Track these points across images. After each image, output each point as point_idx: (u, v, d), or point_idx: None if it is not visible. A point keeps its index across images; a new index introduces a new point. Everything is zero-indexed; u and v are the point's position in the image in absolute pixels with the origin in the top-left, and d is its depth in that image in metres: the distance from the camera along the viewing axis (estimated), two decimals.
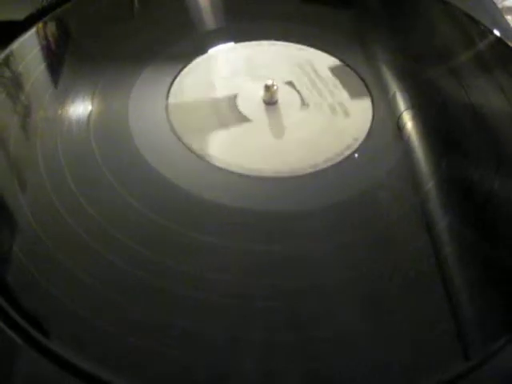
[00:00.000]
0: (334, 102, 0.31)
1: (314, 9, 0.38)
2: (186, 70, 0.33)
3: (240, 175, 0.27)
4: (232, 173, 0.27)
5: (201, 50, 0.34)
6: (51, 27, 0.35)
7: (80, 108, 0.30)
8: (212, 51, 0.34)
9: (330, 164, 0.28)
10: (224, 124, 0.30)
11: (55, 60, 0.33)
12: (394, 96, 0.32)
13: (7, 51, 0.32)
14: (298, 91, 0.32)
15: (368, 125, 0.30)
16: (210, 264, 0.23)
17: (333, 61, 0.34)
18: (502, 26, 0.36)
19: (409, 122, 0.30)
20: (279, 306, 0.22)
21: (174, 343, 0.21)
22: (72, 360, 0.20)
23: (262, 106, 0.31)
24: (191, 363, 0.20)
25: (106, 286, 0.22)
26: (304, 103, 0.31)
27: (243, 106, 0.31)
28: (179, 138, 0.28)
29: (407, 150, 0.29)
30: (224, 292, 0.22)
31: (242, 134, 0.29)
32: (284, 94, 0.31)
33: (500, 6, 0.43)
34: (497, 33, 0.35)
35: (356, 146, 0.29)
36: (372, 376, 0.20)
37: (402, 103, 0.31)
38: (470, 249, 0.24)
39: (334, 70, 0.33)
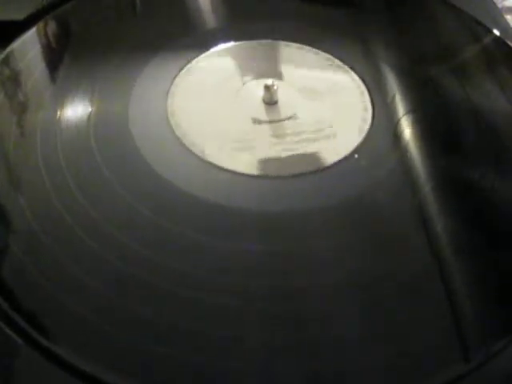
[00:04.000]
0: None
1: (314, 9, 0.38)
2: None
3: (240, 175, 0.27)
4: (232, 173, 0.27)
5: (201, 49, 0.34)
6: (51, 27, 0.35)
7: (80, 107, 0.30)
8: (212, 51, 0.34)
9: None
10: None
11: (55, 59, 0.33)
12: (393, 96, 0.32)
13: (7, 51, 0.32)
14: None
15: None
16: (210, 264, 0.23)
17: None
18: (502, 26, 0.36)
19: (409, 121, 0.30)
20: (279, 306, 0.22)
21: (174, 343, 0.21)
22: (71, 360, 0.20)
23: (262, 105, 0.31)
24: (191, 363, 0.20)
25: (105, 286, 0.22)
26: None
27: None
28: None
29: (407, 150, 0.29)
30: (224, 292, 0.22)
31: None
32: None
33: (500, 5, 0.42)
34: (497, 33, 0.35)
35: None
36: (372, 376, 0.20)
37: (402, 103, 0.31)
38: (469, 249, 0.24)
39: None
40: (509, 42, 0.34)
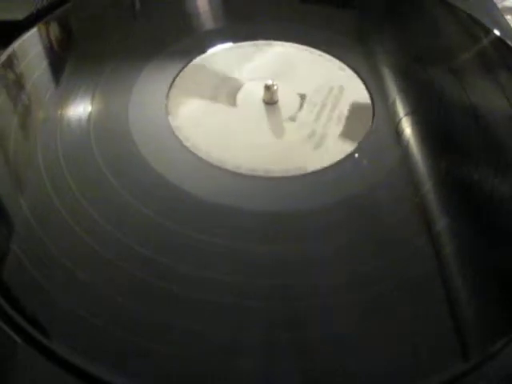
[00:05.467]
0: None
1: (314, 9, 0.38)
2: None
3: (240, 175, 0.27)
4: (232, 173, 0.27)
5: (201, 49, 0.34)
6: (52, 27, 0.35)
7: (80, 108, 0.30)
8: (211, 51, 0.34)
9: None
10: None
11: (55, 60, 0.33)
12: (393, 95, 0.32)
13: (8, 51, 0.32)
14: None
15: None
16: (210, 264, 0.23)
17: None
18: (502, 26, 0.36)
19: (409, 121, 0.30)
20: (279, 306, 0.22)
21: (174, 343, 0.21)
22: (71, 359, 0.20)
23: (262, 105, 0.31)
24: (191, 363, 0.20)
25: (105, 285, 0.22)
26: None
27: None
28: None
29: (407, 150, 0.29)
30: (224, 292, 0.22)
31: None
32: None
33: (500, 5, 0.42)
34: (497, 33, 0.35)
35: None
36: (371, 376, 0.20)
37: (402, 103, 0.31)
38: (469, 249, 0.24)
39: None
40: (509, 42, 0.34)
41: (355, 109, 0.31)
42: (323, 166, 0.27)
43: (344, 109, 0.31)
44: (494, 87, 0.32)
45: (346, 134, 0.29)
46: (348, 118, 0.30)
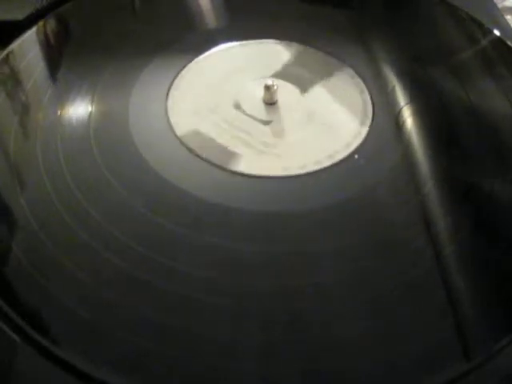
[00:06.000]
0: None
1: (314, 8, 0.38)
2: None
3: (240, 175, 0.27)
4: (232, 173, 0.27)
5: (201, 49, 0.34)
6: (51, 27, 0.35)
7: (80, 108, 0.30)
8: (212, 51, 0.34)
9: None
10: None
11: (55, 59, 0.33)
12: (393, 95, 0.32)
13: (7, 51, 0.32)
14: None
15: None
16: (210, 264, 0.23)
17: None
18: (502, 26, 0.36)
19: (408, 121, 0.30)
20: (279, 306, 0.22)
21: (173, 343, 0.21)
22: (71, 359, 0.20)
23: (262, 105, 0.31)
24: (191, 363, 0.20)
25: (105, 285, 0.22)
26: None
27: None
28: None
29: (406, 149, 0.29)
30: (224, 292, 0.22)
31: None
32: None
33: (500, 5, 0.43)
34: (497, 32, 0.35)
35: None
36: (372, 376, 0.20)
37: (401, 103, 0.31)
38: (470, 249, 0.24)
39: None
40: (509, 42, 0.34)
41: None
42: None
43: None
44: (494, 87, 0.32)
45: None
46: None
